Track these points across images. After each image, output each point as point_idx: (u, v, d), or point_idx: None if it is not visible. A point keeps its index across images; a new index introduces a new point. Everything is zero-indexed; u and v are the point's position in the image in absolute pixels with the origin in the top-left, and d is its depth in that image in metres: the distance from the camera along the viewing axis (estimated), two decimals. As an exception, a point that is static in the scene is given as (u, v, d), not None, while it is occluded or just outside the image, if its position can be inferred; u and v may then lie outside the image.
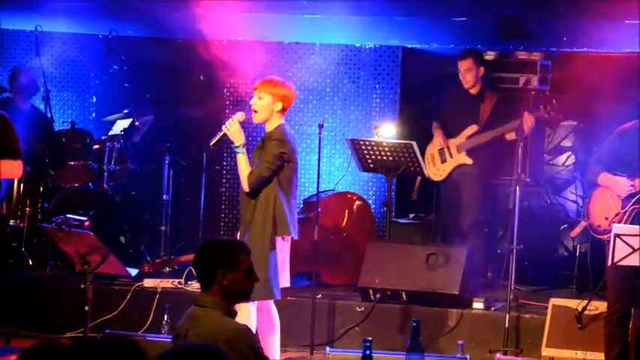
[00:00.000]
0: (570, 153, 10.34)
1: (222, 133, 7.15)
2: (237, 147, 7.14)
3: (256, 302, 7.03)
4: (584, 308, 8.01)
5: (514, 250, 8.42)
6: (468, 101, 9.48)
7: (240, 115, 7.20)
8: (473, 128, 9.40)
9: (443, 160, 9.51)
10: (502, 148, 9.35)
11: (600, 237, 7.36)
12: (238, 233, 7.40)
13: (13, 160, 7.51)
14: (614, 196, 7.29)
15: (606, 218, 7.29)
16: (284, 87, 7.22)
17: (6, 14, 10.68)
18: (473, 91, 9.47)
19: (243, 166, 7.13)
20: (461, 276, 8.56)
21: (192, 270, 5.16)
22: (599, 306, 7.93)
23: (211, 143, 7.28)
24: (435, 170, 9.53)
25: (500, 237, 9.98)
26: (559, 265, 9.93)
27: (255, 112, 7.20)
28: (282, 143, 7.09)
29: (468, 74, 9.41)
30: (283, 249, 7.16)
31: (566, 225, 9.98)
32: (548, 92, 9.97)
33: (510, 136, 9.21)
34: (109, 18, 10.35)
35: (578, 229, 8.41)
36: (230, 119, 7.18)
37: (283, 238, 7.16)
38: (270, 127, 7.21)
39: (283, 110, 7.21)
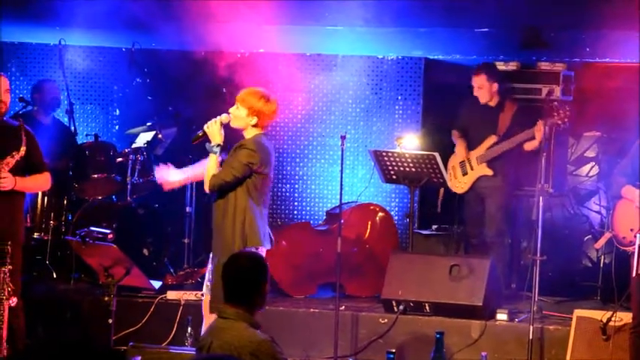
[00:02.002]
0: (594, 163, 10.31)
1: (203, 131, 7.24)
2: (212, 146, 7.19)
3: None
4: (609, 319, 7.97)
5: (537, 261, 8.39)
6: (487, 113, 9.48)
7: (224, 117, 7.26)
8: (492, 139, 9.40)
9: (464, 172, 9.50)
10: (525, 159, 9.34)
11: (625, 248, 7.33)
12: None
13: (39, 174, 7.56)
14: (638, 208, 7.26)
15: (631, 230, 7.27)
16: (261, 101, 7.22)
17: (30, 28, 10.75)
18: (491, 103, 9.49)
19: (212, 166, 7.19)
20: (484, 287, 8.54)
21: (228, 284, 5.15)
22: (624, 317, 7.89)
23: (192, 140, 7.42)
24: (457, 183, 9.53)
25: (524, 248, 9.95)
26: (583, 276, 9.88)
27: (231, 119, 7.26)
28: (252, 154, 7.12)
29: (481, 90, 9.43)
30: None
31: (590, 236, 9.95)
32: (570, 102, 9.95)
33: (528, 146, 9.22)
34: (132, 31, 10.39)
35: (602, 241, 8.37)
36: (214, 119, 7.22)
37: (256, 249, 7.19)
38: (246, 136, 7.26)
39: (261, 124, 7.23)
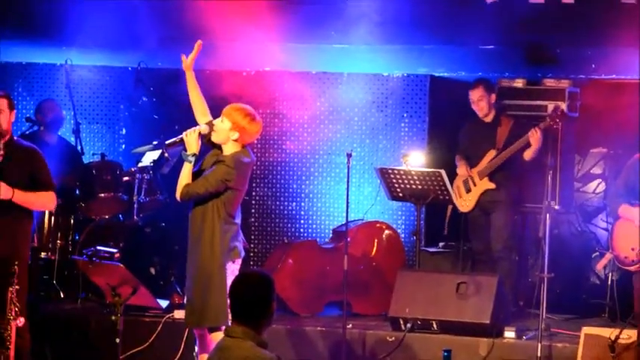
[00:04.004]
0: (600, 180, 10.31)
1: (180, 138, 7.25)
2: (187, 155, 7.21)
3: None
4: (617, 337, 7.94)
5: (545, 279, 8.37)
6: (484, 129, 9.55)
7: (203, 128, 7.28)
8: (492, 153, 9.46)
9: (467, 189, 9.52)
10: (529, 174, 9.37)
11: (628, 268, 7.31)
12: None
13: (46, 192, 7.56)
14: (637, 227, 7.26)
15: (632, 249, 7.25)
16: (246, 119, 7.23)
17: (36, 48, 10.78)
18: (487, 119, 9.54)
19: (185, 175, 7.20)
20: (492, 305, 8.52)
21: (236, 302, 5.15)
22: (632, 334, 7.87)
23: (167, 142, 7.46)
24: (462, 201, 9.54)
25: (531, 265, 9.93)
26: (591, 293, 9.86)
27: (214, 131, 7.26)
28: (230, 171, 7.13)
29: (481, 102, 9.49)
30: (234, 271, 7.19)
31: (597, 253, 9.93)
32: (575, 118, 9.96)
33: (527, 154, 9.26)
34: (138, 50, 10.42)
35: (604, 262, 8.38)
36: (193, 128, 7.25)
37: (234, 262, 7.23)
38: (226, 151, 7.27)
39: (241, 141, 7.24)
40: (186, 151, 7.21)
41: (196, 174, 7.24)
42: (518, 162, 9.38)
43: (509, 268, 9.48)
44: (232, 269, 7.19)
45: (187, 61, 7.49)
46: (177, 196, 7.23)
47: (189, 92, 7.51)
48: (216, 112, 7.43)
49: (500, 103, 9.81)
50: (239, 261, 7.28)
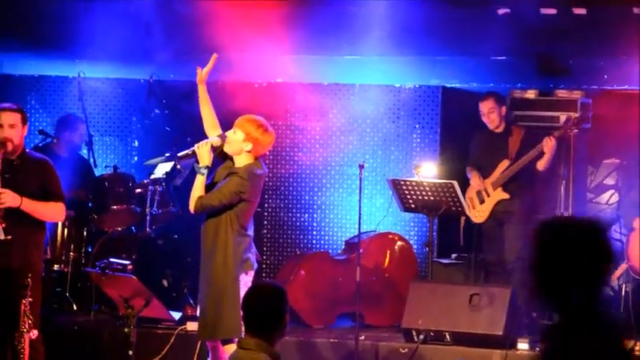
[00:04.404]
0: (613, 191, 10.28)
1: (193, 150, 7.26)
2: (200, 167, 7.21)
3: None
4: (632, 348, 7.92)
5: (558, 290, 8.32)
6: (496, 140, 9.53)
7: (215, 140, 7.29)
8: (505, 163, 9.44)
9: (481, 200, 9.51)
10: (542, 184, 9.35)
11: (643, 279, 7.30)
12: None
13: (55, 203, 7.57)
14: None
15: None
16: (259, 130, 7.25)
17: (49, 61, 10.82)
18: (499, 130, 9.53)
19: (198, 187, 7.20)
20: (505, 316, 8.50)
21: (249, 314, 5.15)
22: (646, 345, 7.86)
23: (179, 154, 7.48)
24: (476, 212, 9.52)
25: (545, 276, 9.88)
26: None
27: (227, 143, 7.28)
28: (244, 183, 7.14)
29: (492, 114, 9.47)
30: (247, 283, 7.19)
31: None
32: (587, 129, 9.95)
33: (540, 164, 9.25)
34: (150, 62, 10.44)
35: (618, 272, 8.35)
36: (204, 141, 7.26)
37: (247, 273, 7.22)
38: (238, 163, 7.27)
39: (254, 152, 7.26)
40: (198, 163, 7.22)
41: (209, 186, 7.24)
42: (531, 172, 9.37)
43: (523, 279, 9.44)
44: (245, 281, 7.19)
45: (202, 74, 7.50)
46: (191, 208, 7.23)
47: (201, 105, 7.52)
48: (228, 123, 7.44)
49: (511, 114, 9.78)
50: (252, 273, 7.28)
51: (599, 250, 3.69)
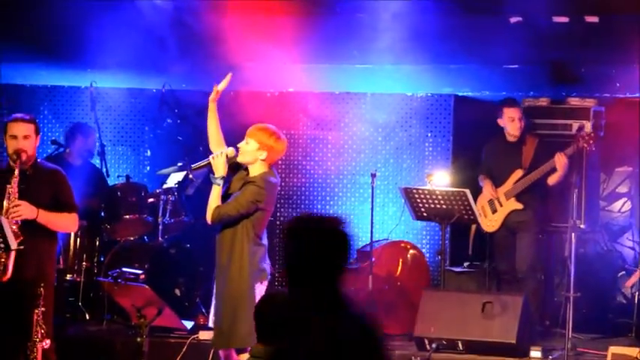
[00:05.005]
0: (626, 199, 10.26)
1: (208, 161, 7.28)
2: (215, 178, 7.24)
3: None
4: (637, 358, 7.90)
5: (571, 298, 8.33)
6: (509, 149, 9.50)
7: (230, 151, 7.31)
8: (519, 173, 9.40)
9: (493, 210, 9.48)
10: (554, 194, 9.33)
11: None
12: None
13: (68, 214, 7.59)
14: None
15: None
16: (272, 138, 7.29)
17: (62, 71, 10.85)
18: (512, 138, 9.48)
19: (215, 198, 7.23)
20: (517, 324, 8.48)
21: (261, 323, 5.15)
22: (659, 354, 7.83)
23: (193, 166, 7.52)
24: (488, 221, 9.49)
25: (557, 285, 9.88)
26: (617, 312, 9.80)
27: (240, 153, 7.31)
28: (261, 192, 7.17)
29: (518, 123, 9.42)
30: (262, 292, 7.22)
31: (623, 272, 9.88)
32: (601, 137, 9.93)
33: (551, 180, 9.22)
34: (162, 72, 10.46)
35: (633, 279, 8.33)
36: (219, 151, 7.27)
37: (261, 283, 7.24)
38: (253, 172, 7.29)
39: (269, 160, 7.27)
40: (213, 174, 7.24)
41: (223, 197, 7.26)
42: (545, 183, 9.33)
43: (535, 287, 9.43)
44: (260, 290, 7.21)
45: (215, 93, 7.52)
46: (208, 219, 7.24)
47: (209, 122, 7.55)
48: (241, 133, 7.45)
49: (529, 122, 9.75)
50: (266, 282, 7.29)
51: (338, 245, 4.10)
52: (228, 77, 7.54)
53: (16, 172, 7.34)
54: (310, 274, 4.12)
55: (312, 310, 4.10)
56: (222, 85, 7.53)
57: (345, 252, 4.16)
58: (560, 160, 9.08)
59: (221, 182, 7.22)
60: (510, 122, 9.43)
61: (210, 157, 7.29)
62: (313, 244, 4.11)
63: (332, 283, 4.13)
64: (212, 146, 7.48)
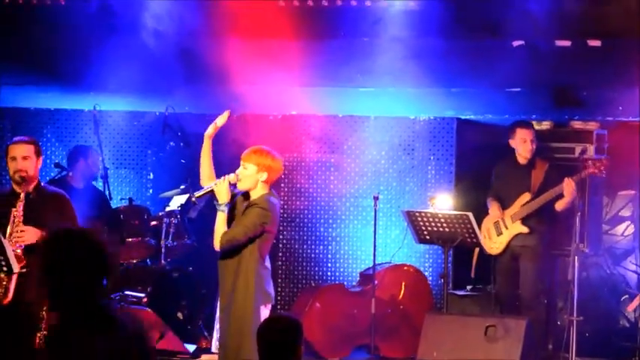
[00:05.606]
0: (629, 222, 10.25)
1: (211, 188, 7.28)
2: (220, 204, 7.25)
3: None
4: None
5: (574, 322, 8.30)
6: (519, 171, 9.46)
7: (232, 176, 7.32)
8: (526, 196, 9.37)
9: (498, 232, 9.45)
10: (560, 218, 9.30)
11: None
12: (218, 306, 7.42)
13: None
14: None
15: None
16: (268, 157, 7.32)
17: (64, 94, 10.87)
18: (523, 160, 9.46)
19: (221, 225, 7.23)
20: (521, 348, 8.46)
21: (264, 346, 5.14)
22: (663, 378, 7.80)
23: (196, 194, 7.48)
24: (492, 244, 9.46)
25: (560, 308, 9.86)
26: (621, 336, 9.78)
27: (239, 180, 7.30)
28: (266, 214, 7.19)
29: (532, 144, 9.39)
30: (265, 316, 7.20)
31: (627, 296, 9.86)
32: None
33: (559, 205, 9.18)
34: (165, 95, 10.48)
35: (635, 303, 8.31)
36: (222, 178, 7.27)
37: (265, 306, 7.25)
38: (255, 195, 7.30)
39: (269, 180, 7.30)
40: (217, 200, 7.24)
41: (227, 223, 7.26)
42: (552, 208, 9.29)
43: (538, 311, 9.40)
44: (264, 313, 7.20)
45: (212, 129, 7.56)
46: (217, 246, 7.23)
47: (202, 157, 7.58)
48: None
49: (540, 145, 9.73)
50: (269, 305, 7.29)
51: (92, 257, 4.32)
52: (227, 113, 7.58)
53: (22, 195, 7.35)
54: (67, 284, 4.27)
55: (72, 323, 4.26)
56: (220, 121, 7.56)
57: (100, 261, 4.35)
58: (569, 186, 9.01)
59: (225, 209, 7.23)
60: (522, 143, 9.40)
61: (213, 183, 7.30)
62: (64, 253, 4.28)
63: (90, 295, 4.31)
64: (203, 181, 7.51)
